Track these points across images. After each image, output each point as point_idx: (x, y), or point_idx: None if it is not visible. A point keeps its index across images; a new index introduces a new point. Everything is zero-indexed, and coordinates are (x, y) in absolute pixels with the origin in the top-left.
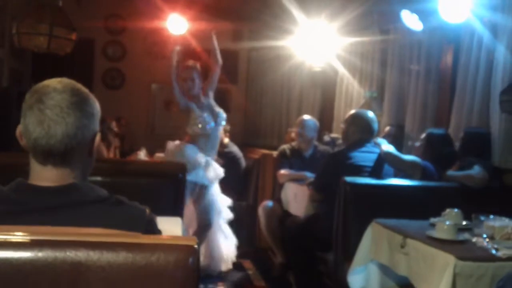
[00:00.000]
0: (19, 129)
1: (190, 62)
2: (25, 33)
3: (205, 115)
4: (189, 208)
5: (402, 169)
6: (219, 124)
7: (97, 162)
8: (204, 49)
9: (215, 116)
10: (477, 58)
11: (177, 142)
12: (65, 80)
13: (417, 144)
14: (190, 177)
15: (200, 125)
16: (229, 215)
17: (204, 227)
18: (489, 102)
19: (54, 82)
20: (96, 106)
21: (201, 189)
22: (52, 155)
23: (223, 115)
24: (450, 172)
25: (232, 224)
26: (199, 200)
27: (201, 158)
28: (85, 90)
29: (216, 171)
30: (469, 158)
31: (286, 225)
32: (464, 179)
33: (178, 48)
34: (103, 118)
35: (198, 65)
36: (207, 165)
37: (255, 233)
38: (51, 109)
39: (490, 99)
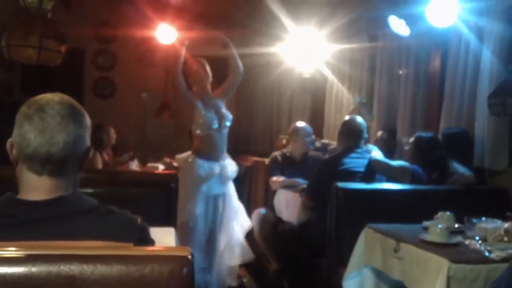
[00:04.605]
0: (11, 141)
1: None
2: (15, 45)
3: (209, 114)
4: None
5: (391, 175)
6: (225, 126)
7: (90, 173)
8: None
9: (220, 117)
10: (464, 62)
11: (185, 154)
12: (61, 94)
13: (406, 148)
14: (203, 190)
15: (198, 130)
16: (248, 223)
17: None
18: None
19: (51, 96)
20: (89, 121)
21: (217, 200)
22: (50, 163)
23: (229, 116)
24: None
25: None
26: (216, 212)
27: (216, 166)
28: (79, 105)
29: (230, 168)
30: (449, 161)
31: (279, 232)
32: (455, 181)
33: (187, 42)
34: (101, 124)
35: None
36: (222, 169)
37: (248, 240)
38: (52, 118)
39: (477, 102)
